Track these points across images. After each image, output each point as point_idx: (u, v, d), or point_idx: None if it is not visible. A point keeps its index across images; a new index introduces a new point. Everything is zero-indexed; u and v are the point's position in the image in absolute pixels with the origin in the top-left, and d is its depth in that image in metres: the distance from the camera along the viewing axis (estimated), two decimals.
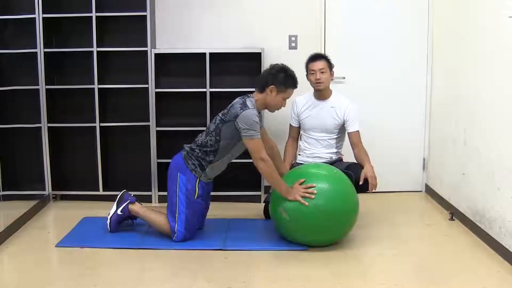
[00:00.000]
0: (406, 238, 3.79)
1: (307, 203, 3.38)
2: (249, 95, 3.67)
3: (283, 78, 3.59)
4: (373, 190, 3.86)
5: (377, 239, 3.73)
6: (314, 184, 3.44)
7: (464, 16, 4.07)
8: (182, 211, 3.59)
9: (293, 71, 3.69)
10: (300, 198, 3.40)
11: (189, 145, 3.70)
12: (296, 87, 3.70)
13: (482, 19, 3.72)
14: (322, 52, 4.56)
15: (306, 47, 4.61)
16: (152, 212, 3.80)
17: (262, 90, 3.62)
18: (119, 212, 3.78)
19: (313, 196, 3.39)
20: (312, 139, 4.13)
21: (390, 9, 4.73)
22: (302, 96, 4.19)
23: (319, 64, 4.00)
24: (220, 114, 3.64)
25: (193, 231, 3.67)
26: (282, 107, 3.73)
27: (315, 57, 4.06)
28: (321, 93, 4.08)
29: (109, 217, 3.79)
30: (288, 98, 3.68)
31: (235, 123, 3.49)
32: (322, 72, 4.00)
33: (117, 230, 3.80)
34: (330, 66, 4.06)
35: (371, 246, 3.62)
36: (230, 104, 3.63)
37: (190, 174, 3.61)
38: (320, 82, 4.00)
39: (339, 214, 3.47)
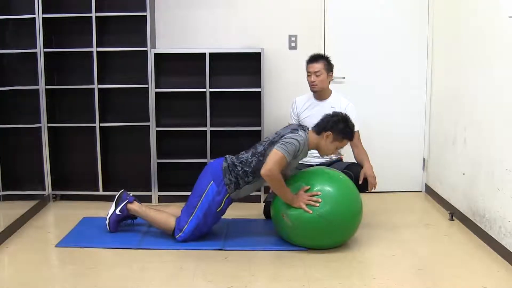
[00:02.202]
0: (406, 238, 3.79)
1: (311, 211, 3.37)
2: (305, 127, 3.64)
3: (343, 129, 3.57)
4: (373, 190, 3.86)
5: (377, 239, 3.73)
6: (319, 192, 3.42)
7: (464, 16, 4.07)
8: (198, 217, 3.58)
9: (353, 123, 3.66)
10: (304, 206, 3.39)
11: (231, 157, 3.65)
12: (351, 140, 3.69)
13: (482, 19, 3.72)
14: (322, 52, 4.57)
15: (306, 47, 4.61)
16: (152, 210, 3.79)
17: (318, 132, 3.59)
18: (117, 212, 3.78)
19: (317, 204, 3.38)
20: None
21: (390, 9, 4.73)
22: (301, 96, 4.19)
23: (315, 67, 4.00)
24: (270, 137, 3.63)
25: (199, 236, 3.66)
26: (332, 154, 3.77)
27: (312, 59, 4.05)
28: (320, 94, 4.09)
29: (108, 217, 3.79)
30: (341, 148, 3.70)
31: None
32: (317, 75, 3.99)
33: (116, 230, 3.80)
34: (329, 67, 4.04)
35: (371, 246, 3.62)
36: (282, 128, 3.66)
37: (223, 188, 3.57)
38: (314, 85, 4.00)
39: (342, 223, 3.46)
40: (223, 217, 4.09)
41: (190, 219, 3.59)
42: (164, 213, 3.73)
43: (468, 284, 3.07)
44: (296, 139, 3.46)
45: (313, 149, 3.66)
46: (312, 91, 4.09)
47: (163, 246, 3.58)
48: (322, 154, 3.73)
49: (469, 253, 3.52)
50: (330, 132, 3.56)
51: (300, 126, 3.64)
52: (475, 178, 3.82)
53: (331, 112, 4.01)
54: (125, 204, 3.79)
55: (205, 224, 3.61)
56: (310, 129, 3.65)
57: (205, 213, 3.57)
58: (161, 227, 3.71)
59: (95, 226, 3.93)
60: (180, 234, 3.60)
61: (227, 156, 3.68)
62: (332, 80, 4.13)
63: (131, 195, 3.87)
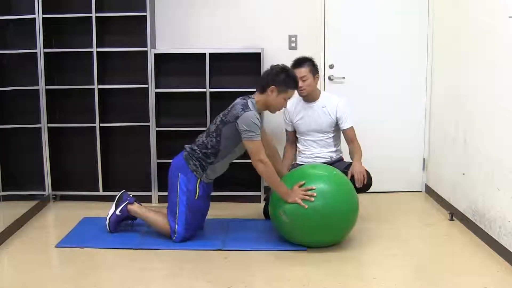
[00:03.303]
0: (406, 238, 3.79)
1: (306, 206, 3.38)
2: (250, 96, 3.66)
3: (284, 79, 3.58)
4: (361, 185, 3.81)
5: (377, 239, 3.73)
6: (314, 187, 3.43)
7: (464, 16, 4.07)
8: (183, 212, 3.59)
9: (294, 72, 3.71)
10: (299, 201, 3.39)
11: (189, 145, 3.70)
12: (296, 88, 3.70)
13: (482, 19, 3.72)
14: (322, 52, 4.57)
15: (306, 47, 4.61)
16: (151, 212, 3.80)
17: (262, 91, 3.61)
18: (117, 212, 3.79)
19: (312, 199, 3.38)
20: (310, 141, 4.13)
21: (390, 9, 4.73)
22: (290, 100, 4.15)
23: (300, 71, 3.94)
24: (220, 115, 3.63)
25: (193, 232, 3.67)
26: (283, 108, 3.73)
27: (297, 64, 4.00)
28: (309, 96, 4.07)
29: (108, 218, 3.79)
30: (289, 98, 3.68)
31: (236, 124, 3.49)
32: (304, 80, 3.95)
33: (116, 231, 3.81)
34: (314, 70, 4.02)
35: (371, 246, 3.62)
36: (231, 105, 3.63)
37: (192, 174, 3.61)
38: (302, 90, 3.98)
39: (338, 216, 3.46)
40: (223, 217, 4.11)
41: (177, 218, 3.60)
42: (163, 215, 3.73)
43: (468, 284, 3.07)
44: (253, 117, 3.47)
45: (264, 109, 3.68)
46: (300, 95, 4.07)
47: (163, 246, 3.58)
48: (273, 111, 3.72)
49: (469, 253, 3.52)
50: (273, 86, 3.56)
51: (245, 97, 3.64)
52: (475, 178, 3.82)
53: (326, 113, 4.03)
54: (126, 205, 3.79)
55: (193, 216, 3.62)
56: (255, 92, 3.67)
57: (187, 205, 3.59)
58: (160, 229, 3.72)
59: (95, 226, 3.93)
60: (175, 235, 3.61)
61: (185, 145, 3.73)
62: (318, 80, 4.10)
63: (131, 196, 3.87)
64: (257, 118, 3.50)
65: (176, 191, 3.61)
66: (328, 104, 4.06)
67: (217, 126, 3.59)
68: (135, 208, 3.80)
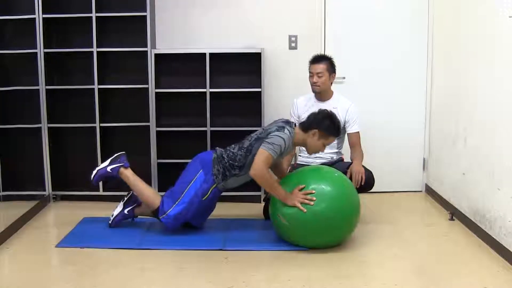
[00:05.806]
0: (406, 238, 3.79)
1: (305, 210, 3.37)
2: (291, 124, 3.68)
3: (328, 125, 3.60)
4: (358, 186, 3.79)
5: (377, 239, 3.73)
6: (314, 191, 3.42)
7: (464, 16, 4.07)
8: (184, 203, 3.62)
9: (339, 121, 3.72)
10: (298, 204, 3.38)
11: (221, 149, 3.73)
12: (338, 136, 3.74)
13: (482, 19, 3.72)
14: (322, 52, 4.57)
15: (306, 47, 4.62)
16: (143, 183, 3.82)
17: (305, 130, 3.63)
18: (108, 169, 3.82)
19: (312, 203, 3.37)
20: None
21: (390, 9, 4.74)
22: (302, 97, 4.19)
23: (317, 67, 4.01)
24: (257, 132, 3.67)
25: (179, 224, 3.70)
26: (320, 151, 3.75)
27: (315, 60, 4.07)
28: (321, 94, 4.09)
29: (97, 169, 3.84)
30: (328, 144, 3.71)
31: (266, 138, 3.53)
32: (319, 76, 4.00)
33: (98, 185, 3.88)
34: (331, 68, 4.05)
35: (371, 246, 3.62)
36: (270, 123, 3.70)
37: (211, 177, 3.63)
38: (316, 86, 4.01)
39: (338, 219, 3.45)
40: (223, 217, 4.11)
41: (175, 204, 3.63)
42: (154, 190, 3.80)
43: (468, 284, 3.07)
44: (282, 138, 3.50)
45: (299, 145, 3.72)
46: (313, 91, 4.09)
47: (163, 246, 3.58)
48: (310, 152, 3.75)
49: (469, 253, 3.52)
50: (316, 130, 3.59)
51: (287, 123, 3.66)
52: (475, 178, 3.82)
53: (336, 114, 4.04)
54: (119, 167, 3.81)
55: (189, 211, 3.65)
56: (296, 125, 3.70)
57: (191, 199, 3.62)
58: (147, 201, 3.75)
59: (95, 226, 3.93)
60: (163, 216, 3.65)
61: (216, 148, 3.76)
62: (333, 81, 4.14)
63: (127, 161, 3.89)
64: (284, 141, 3.50)
65: (189, 183, 3.64)
66: (339, 106, 4.06)
67: (250, 142, 3.62)
68: (127, 173, 3.82)
